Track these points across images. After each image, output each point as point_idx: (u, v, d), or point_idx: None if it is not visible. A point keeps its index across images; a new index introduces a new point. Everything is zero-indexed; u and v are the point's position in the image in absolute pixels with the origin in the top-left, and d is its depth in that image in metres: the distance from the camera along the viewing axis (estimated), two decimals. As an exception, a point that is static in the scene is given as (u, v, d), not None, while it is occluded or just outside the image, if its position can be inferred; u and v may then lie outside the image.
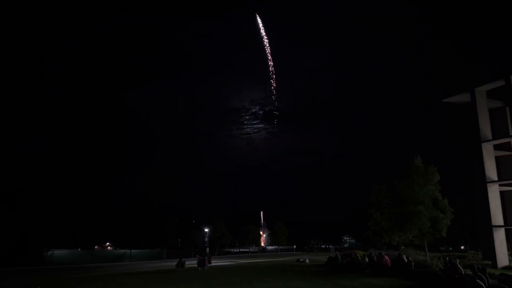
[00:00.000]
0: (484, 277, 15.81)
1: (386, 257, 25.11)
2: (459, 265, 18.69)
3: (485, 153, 30.24)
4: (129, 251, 63.73)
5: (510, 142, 30.48)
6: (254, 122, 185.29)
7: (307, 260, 40.02)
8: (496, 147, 31.21)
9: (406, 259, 23.83)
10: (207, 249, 65.59)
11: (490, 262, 28.21)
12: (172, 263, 35.33)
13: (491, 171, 30.19)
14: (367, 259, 26.31)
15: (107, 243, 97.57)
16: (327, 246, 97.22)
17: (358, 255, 29.07)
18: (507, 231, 30.03)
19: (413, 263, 23.45)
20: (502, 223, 29.55)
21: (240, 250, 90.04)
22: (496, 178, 30.11)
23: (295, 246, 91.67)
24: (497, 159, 31.23)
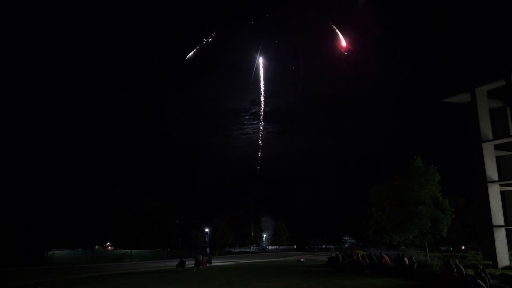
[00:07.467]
0: (485, 277, 15.80)
1: (386, 257, 25.10)
2: (460, 265, 18.69)
3: (485, 153, 30.21)
4: (129, 251, 63.76)
5: (511, 142, 30.42)
6: (254, 122, 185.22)
7: (308, 260, 40.02)
8: (496, 147, 31.17)
9: (408, 260, 23.76)
10: (208, 249, 65.71)
11: (490, 262, 28.19)
12: (173, 263, 35.30)
13: (491, 171, 30.16)
14: (367, 259, 26.29)
15: (108, 243, 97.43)
16: (327, 246, 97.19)
17: (358, 255, 29.02)
18: (507, 231, 29.98)
19: (415, 264, 23.37)
20: (502, 223, 29.53)
21: (241, 250, 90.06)
22: (496, 178, 30.08)
23: (295, 246, 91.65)
24: (498, 159, 31.19)
